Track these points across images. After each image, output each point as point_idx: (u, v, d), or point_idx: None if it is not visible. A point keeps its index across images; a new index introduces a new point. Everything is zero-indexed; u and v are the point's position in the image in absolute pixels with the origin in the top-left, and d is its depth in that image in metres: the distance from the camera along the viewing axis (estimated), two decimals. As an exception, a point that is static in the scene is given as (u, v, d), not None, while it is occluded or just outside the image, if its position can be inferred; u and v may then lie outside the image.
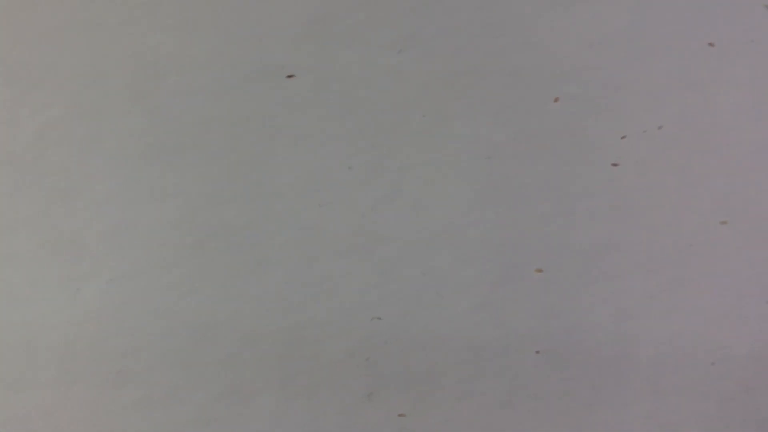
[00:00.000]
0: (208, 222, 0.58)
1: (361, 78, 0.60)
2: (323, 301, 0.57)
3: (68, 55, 0.60)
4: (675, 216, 0.59)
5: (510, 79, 0.60)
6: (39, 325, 0.57)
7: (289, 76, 0.60)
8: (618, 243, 0.59)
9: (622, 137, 0.61)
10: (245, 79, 0.60)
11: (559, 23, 0.61)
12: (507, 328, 0.57)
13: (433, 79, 0.60)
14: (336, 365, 0.56)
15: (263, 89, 0.60)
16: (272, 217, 0.58)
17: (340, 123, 0.60)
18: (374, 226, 0.58)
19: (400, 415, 0.56)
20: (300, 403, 0.55)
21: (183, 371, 0.56)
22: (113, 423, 0.55)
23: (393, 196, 0.59)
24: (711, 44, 0.63)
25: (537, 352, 0.57)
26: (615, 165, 0.60)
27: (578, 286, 0.58)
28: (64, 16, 0.60)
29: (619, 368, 0.57)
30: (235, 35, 0.60)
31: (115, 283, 0.57)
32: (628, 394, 0.57)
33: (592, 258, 0.58)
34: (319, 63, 0.60)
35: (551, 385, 0.56)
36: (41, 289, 0.57)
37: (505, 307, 0.57)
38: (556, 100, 0.60)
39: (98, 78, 0.60)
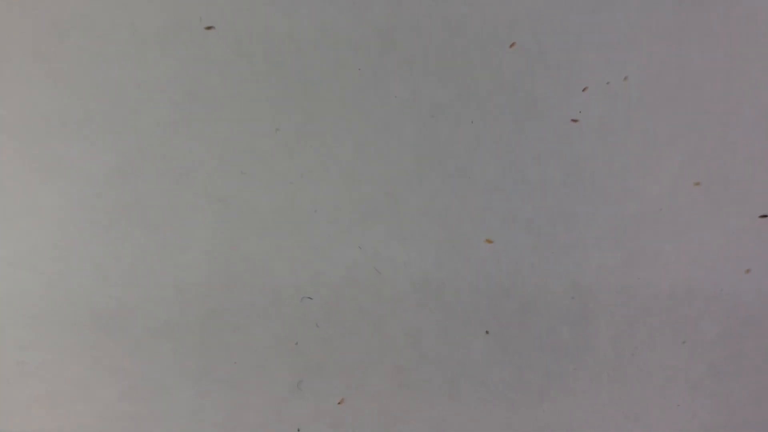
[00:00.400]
0: (119, 198, 0.51)
1: (289, 30, 0.53)
2: (247, 281, 0.50)
3: (-42, 10, 0.53)
4: (642, 178, 0.53)
5: (456, 30, 0.53)
6: (-69, 315, 0.51)
7: (208, 28, 0.53)
8: (577, 209, 0.52)
9: (584, 89, 0.53)
10: (158, 34, 0.53)
11: (508, -38, 0.53)
12: (453, 306, 0.50)
13: (369, 32, 0.53)
14: (261, 352, 0.50)
15: (179, 44, 0.53)
16: (190, 189, 0.51)
17: (265, 80, 0.53)
18: (304, 196, 0.51)
19: (339, 403, 0.50)
20: (220, 396, 0.49)
21: (90, 363, 0.50)
22: (14, 420, 0.50)
23: (325, 162, 0.52)
24: (684, -16, 0.55)
25: (486, 332, 0.50)
26: (574, 121, 0.53)
27: (532, 259, 0.51)
28: (-48, -34, 0.53)
29: (577, 351, 0.50)
30: (145, -16, 0.53)
31: (14, 266, 0.50)
32: (588, 380, 0.50)
33: (548, 227, 0.52)
34: (242, 13, 0.53)
35: (502, 371, 0.50)
36: (-67, 274, 0.51)
37: (451, 283, 0.51)
38: (512, 45, 0.53)
39: (-8, 36, 0.53)
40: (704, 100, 0.54)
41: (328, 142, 0.53)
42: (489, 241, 0.52)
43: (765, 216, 0.53)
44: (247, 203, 0.52)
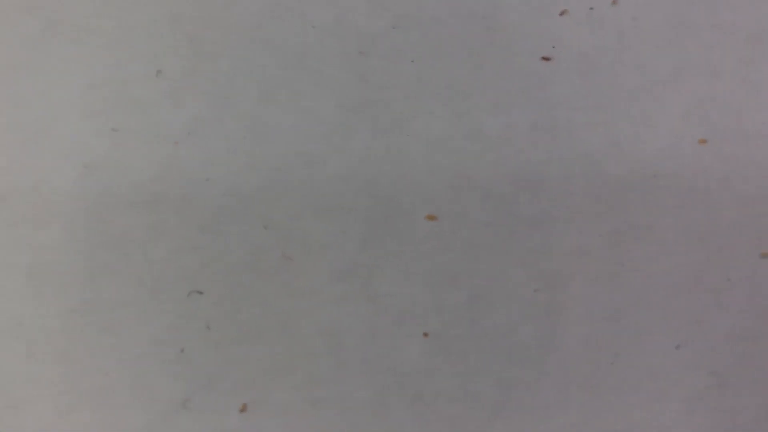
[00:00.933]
0: (-52, 158, 0.39)
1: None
2: (118, 269, 0.39)
3: None
4: (633, 133, 0.41)
5: (391, -66, 0.40)
6: None
7: (69, -62, 0.40)
8: (548, 173, 0.40)
9: (561, 13, 0.41)
10: (1, -56, 0.40)
11: None
12: (383, 301, 0.39)
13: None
14: (137, 360, 0.39)
15: (29, -42, 0.40)
16: (44, 148, 0.39)
17: (143, 5, 0.40)
18: (193, 159, 0.39)
19: (242, 410, 0.39)
20: (85, 415, 0.39)
21: None
22: None
23: (221, 114, 0.40)
24: None
25: (425, 334, 0.39)
26: (546, 60, 0.41)
27: (487, 239, 0.39)
28: None
29: (541, 356, 0.39)
30: None
31: None
32: (554, 392, 0.39)
33: (509, 197, 0.40)
34: None
35: (443, 381, 0.39)
36: None
37: (381, 271, 0.39)
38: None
39: None
40: (717, 31, 0.42)
41: (224, 88, 0.40)
42: (431, 217, 0.40)
43: (790, 182, 0.41)
44: (118, 168, 0.40)
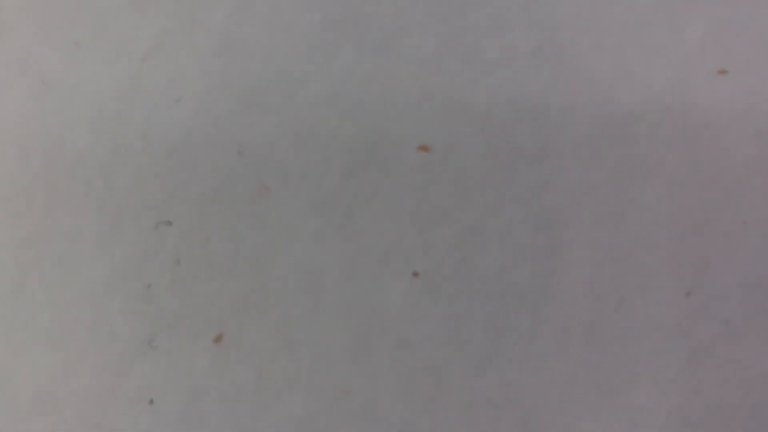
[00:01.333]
0: None
1: None
2: (76, 196, 0.36)
3: None
4: (645, 61, 0.37)
5: None
6: None
7: None
8: (551, 102, 0.36)
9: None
10: None
11: None
12: (367, 236, 0.36)
13: None
14: (98, 296, 0.36)
15: None
16: (-4, 62, 0.36)
17: None
18: (160, 77, 0.36)
19: (215, 341, 0.35)
20: (40, 356, 0.36)
21: None
22: None
23: (191, 29, 0.36)
24: None
25: (414, 273, 0.36)
26: (553, -23, 0.37)
27: (482, 171, 0.36)
28: None
29: (539, 301, 0.36)
30: None
31: None
32: (551, 340, 0.36)
33: (508, 126, 0.36)
34: None
35: (430, 326, 0.36)
36: None
37: (366, 203, 0.36)
38: None
39: None
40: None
41: (188, 4, 0.36)
42: (423, 148, 0.37)
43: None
44: (79, 86, 0.36)
